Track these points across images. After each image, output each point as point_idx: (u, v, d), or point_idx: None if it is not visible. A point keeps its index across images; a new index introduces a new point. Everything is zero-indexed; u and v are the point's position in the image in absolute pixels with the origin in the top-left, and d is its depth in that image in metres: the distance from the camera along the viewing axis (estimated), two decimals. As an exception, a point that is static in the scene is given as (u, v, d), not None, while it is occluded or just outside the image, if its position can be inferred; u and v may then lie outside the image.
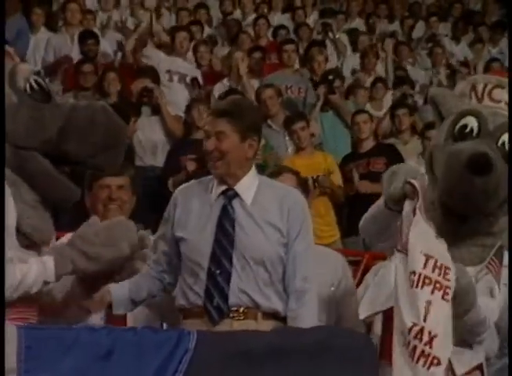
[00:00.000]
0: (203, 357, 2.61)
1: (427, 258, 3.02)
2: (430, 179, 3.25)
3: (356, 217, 7.21)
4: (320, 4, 11.58)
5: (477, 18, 11.88)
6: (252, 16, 10.49)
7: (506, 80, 3.25)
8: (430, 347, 2.93)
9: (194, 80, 8.45)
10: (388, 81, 9.34)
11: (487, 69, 10.15)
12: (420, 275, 3.00)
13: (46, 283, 2.94)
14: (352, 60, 9.96)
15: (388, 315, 3.16)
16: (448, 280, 3.00)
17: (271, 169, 4.26)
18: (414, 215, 3.07)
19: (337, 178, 7.17)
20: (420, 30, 11.32)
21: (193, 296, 3.39)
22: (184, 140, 7.50)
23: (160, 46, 9.31)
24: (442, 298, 2.98)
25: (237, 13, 10.77)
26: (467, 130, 3.14)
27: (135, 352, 2.57)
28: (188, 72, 8.53)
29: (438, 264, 3.01)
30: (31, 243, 2.93)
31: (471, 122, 3.13)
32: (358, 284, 4.20)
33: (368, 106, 8.58)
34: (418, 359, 2.91)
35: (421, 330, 2.94)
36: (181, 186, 3.60)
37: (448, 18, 11.82)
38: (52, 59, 8.77)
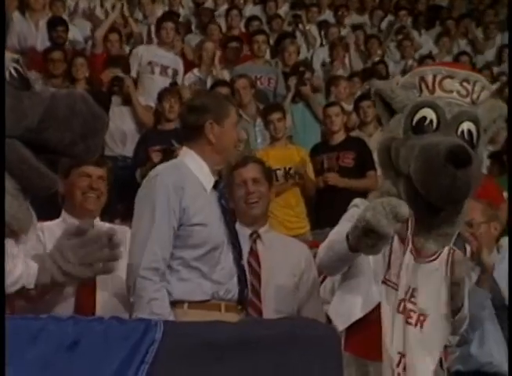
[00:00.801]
0: (170, 348, 2.60)
1: (408, 288, 3.05)
2: (386, 171, 3.26)
3: (325, 209, 7.26)
4: (291, -4, 11.60)
5: (443, 12, 11.97)
6: (224, 7, 10.47)
7: (455, 70, 3.28)
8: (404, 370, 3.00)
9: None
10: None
11: (456, 62, 10.21)
12: (404, 307, 3.05)
13: (23, 288, 2.92)
14: (322, 52, 9.99)
15: None
16: (414, 304, 3.03)
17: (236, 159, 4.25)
18: (405, 245, 3.05)
19: (310, 172, 7.20)
20: (388, 23, 11.39)
21: (213, 286, 3.35)
22: (153, 131, 7.48)
23: (130, 35, 9.27)
24: (406, 321, 3.03)
25: (209, 3, 10.74)
26: (427, 122, 3.16)
27: (102, 342, 2.56)
28: (170, 63, 8.48)
29: (410, 289, 3.05)
30: (9, 231, 2.92)
31: (429, 114, 3.16)
32: (325, 276, 4.23)
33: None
34: None
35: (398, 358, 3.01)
36: (166, 171, 3.47)
37: (414, 11, 11.91)
38: (17, 45, 8.66)
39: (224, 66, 8.86)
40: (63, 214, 3.91)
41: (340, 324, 3.25)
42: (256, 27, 9.80)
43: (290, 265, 3.98)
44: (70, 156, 3.00)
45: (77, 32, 9.08)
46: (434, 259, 3.10)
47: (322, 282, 4.12)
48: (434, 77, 3.21)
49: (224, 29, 9.83)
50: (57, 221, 3.88)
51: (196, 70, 8.72)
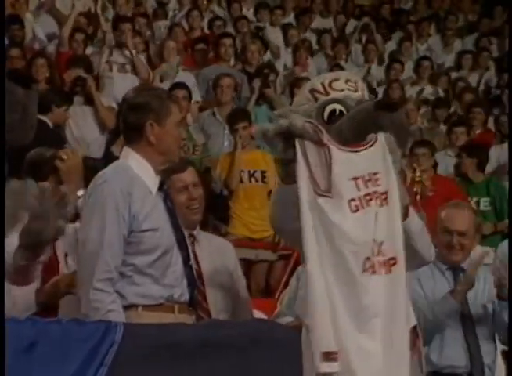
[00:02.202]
0: (130, 349, 2.58)
1: (355, 180, 3.01)
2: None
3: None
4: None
5: (404, 17, 12.08)
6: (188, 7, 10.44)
7: (336, 72, 3.40)
8: (380, 254, 2.95)
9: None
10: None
11: (417, 66, 10.34)
12: (359, 198, 2.99)
13: None
14: (285, 55, 10.01)
15: None
16: (380, 185, 3.01)
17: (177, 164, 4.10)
18: (328, 150, 2.98)
19: (273, 178, 7.19)
20: (351, 27, 11.46)
21: (166, 290, 3.31)
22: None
23: (92, 35, 9.21)
24: (381, 205, 3.00)
25: (173, 3, 10.71)
26: (337, 113, 3.18)
27: (60, 345, 2.53)
28: (127, 60, 8.44)
29: (366, 177, 3.02)
30: None
31: (336, 106, 3.19)
32: (287, 280, 4.22)
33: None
34: (376, 270, 2.94)
35: (371, 246, 2.96)
36: (113, 177, 3.38)
37: (377, 16, 12.00)
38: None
39: (190, 68, 8.84)
40: None
41: None
42: (219, 27, 9.79)
43: (225, 264, 4.00)
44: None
45: (40, 30, 8.99)
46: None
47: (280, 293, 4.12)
48: (322, 83, 3.25)
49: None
50: None
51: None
